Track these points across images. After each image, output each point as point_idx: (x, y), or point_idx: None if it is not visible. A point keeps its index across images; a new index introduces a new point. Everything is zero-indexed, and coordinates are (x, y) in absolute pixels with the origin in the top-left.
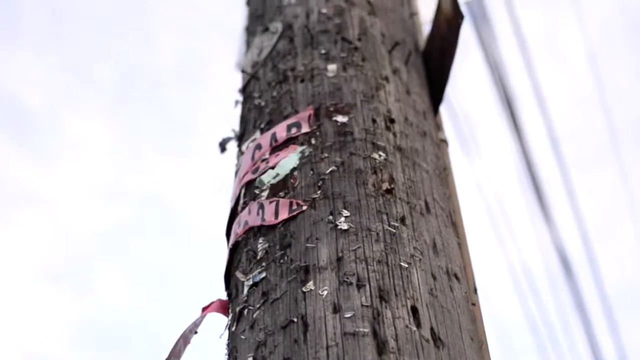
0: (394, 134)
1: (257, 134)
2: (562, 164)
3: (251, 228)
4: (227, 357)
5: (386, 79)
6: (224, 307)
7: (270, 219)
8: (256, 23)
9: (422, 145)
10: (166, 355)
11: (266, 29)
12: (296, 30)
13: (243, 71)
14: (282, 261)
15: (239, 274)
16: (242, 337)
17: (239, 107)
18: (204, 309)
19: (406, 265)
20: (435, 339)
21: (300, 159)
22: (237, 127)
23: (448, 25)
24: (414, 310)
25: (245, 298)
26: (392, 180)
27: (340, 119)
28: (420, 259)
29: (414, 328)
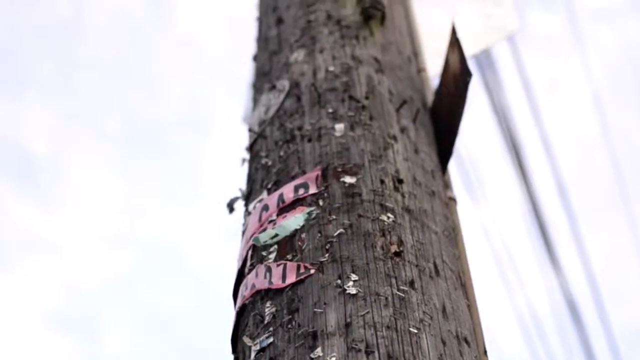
0: (403, 195)
1: (264, 194)
2: (569, 208)
3: (258, 291)
4: None
5: (394, 137)
6: None
7: (277, 282)
8: (263, 80)
9: (430, 206)
10: None
11: (273, 87)
12: (303, 88)
13: (250, 130)
14: (289, 326)
15: (246, 339)
16: None
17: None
18: None
19: (415, 331)
20: None
21: (308, 220)
22: (243, 186)
23: (456, 83)
24: None
25: None
26: (400, 242)
27: (348, 179)
28: (429, 324)
29: None
